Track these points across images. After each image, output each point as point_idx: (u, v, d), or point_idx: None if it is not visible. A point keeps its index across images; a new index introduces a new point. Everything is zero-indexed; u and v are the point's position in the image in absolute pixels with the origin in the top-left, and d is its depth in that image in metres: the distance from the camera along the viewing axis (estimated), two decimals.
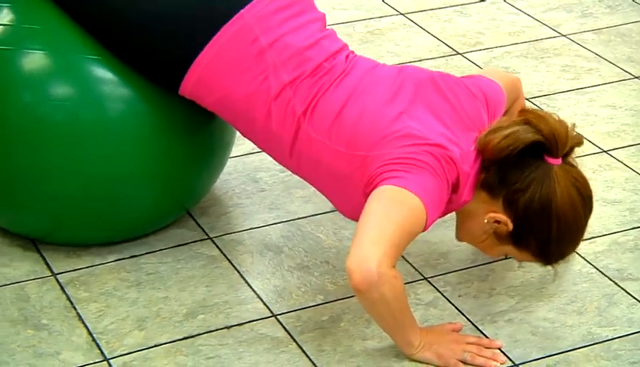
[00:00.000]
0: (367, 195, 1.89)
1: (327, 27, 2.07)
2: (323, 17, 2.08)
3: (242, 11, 1.96)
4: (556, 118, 1.92)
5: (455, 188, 1.93)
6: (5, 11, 2.05)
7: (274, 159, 2.08)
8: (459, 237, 2.06)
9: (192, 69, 1.99)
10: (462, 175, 1.92)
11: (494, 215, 1.94)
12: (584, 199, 1.96)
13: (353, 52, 2.07)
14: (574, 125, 1.94)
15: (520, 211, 1.92)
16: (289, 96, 1.96)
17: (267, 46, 1.96)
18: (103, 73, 2.05)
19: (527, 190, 1.90)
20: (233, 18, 1.96)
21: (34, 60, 2.03)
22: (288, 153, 2.00)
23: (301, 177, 2.08)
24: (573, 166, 1.96)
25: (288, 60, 1.97)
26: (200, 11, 1.98)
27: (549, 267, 2.04)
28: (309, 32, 2.01)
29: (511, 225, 1.93)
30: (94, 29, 2.04)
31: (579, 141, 1.95)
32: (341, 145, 1.94)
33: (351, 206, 1.97)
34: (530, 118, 1.91)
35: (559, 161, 1.92)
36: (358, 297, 1.86)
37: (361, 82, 1.99)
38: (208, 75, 1.98)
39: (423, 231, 1.89)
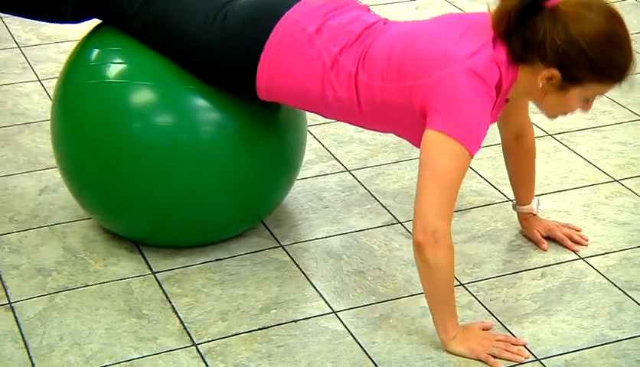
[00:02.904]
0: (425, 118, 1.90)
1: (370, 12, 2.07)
2: (365, 6, 2.07)
3: (287, 12, 2.00)
4: None
5: (499, 86, 1.89)
6: (117, 53, 2.11)
7: (357, 125, 2.08)
8: (549, 115, 2.00)
9: (259, 72, 2.01)
10: (501, 64, 1.88)
11: (542, 75, 1.87)
12: (599, 10, 1.85)
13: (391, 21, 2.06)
14: None
15: (553, 58, 1.85)
16: (342, 62, 1.96)
17: (314, 32, 1.98)
18: (197, 102, 2.08)
19: (546, 38, 1.84)
20: (281, 20, 1.99)
21: (141, 92, 2.07)
22: (359, 109, 1.99)
23: (378, 129, 2.06)
24: None
25: (334, 36, 1.98)
26: (252, 24, 2.01)
27: (624, 84, 1.93)
28: (349, 14, 2.02)
29: (557, 73, 1.87)
30: (179, 60, 2.08)
31: None
32: (392, 81, 1.93)
33: (421, 137, 1.92)
34: None
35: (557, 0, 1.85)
36: (418, 258, 1.88)
37: (402, 31, 1.98)
38: (274, 72, 2.00)
39: (471, 158, 1.89)
